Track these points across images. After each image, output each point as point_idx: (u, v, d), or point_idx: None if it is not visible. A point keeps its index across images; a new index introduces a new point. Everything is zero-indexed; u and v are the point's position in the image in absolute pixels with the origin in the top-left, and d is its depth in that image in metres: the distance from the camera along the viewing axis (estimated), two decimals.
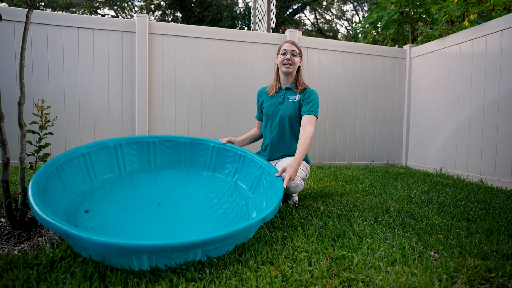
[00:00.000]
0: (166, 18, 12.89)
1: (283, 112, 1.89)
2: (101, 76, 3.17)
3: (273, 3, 4.74)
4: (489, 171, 2.84)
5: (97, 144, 1.64)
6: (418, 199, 2.06)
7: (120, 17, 13.75)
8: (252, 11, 6.04)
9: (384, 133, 3.99)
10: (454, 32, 3.59)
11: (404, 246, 1.26)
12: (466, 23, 3.21)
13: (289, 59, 1.84)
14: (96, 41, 3.13)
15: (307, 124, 1.78)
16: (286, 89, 1.94)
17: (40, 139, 1.55)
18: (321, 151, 3.80)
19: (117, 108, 3.22)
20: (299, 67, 1.93)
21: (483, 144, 2.91)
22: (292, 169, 1.57)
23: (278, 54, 1.90)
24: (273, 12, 4.72)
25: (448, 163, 3.32)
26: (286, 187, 1.52)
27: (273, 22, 4.72)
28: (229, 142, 1.92)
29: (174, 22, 13.09)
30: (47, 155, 1.57)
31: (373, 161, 3.96)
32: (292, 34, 3.59)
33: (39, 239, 1.31)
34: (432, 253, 1.20)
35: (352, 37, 15.60)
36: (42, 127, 1.56)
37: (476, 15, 3.24)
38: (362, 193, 2.21)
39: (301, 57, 1.90)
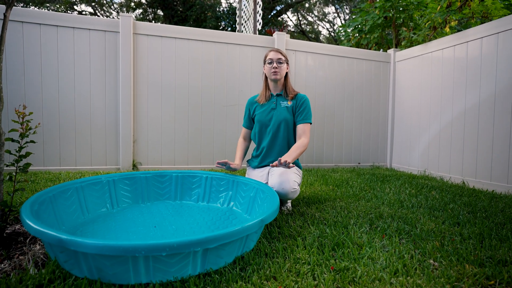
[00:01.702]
0: (148, 17, 12.58)
1: (277, 117, 1.89)
2: (83, 78, 3.02)
3: (259, 5, 4.72)
4: (470, 173, 2.94)
5: (90, 179, 1.68)
6: (408, 203, 2.10)
7: (98, 14, 13.27)
8: (237, 12, 5.99)
9: (369, 135, 4.06)
10: (436, 38, 3.70)
11: (403, 254, 1.26)
12: (447, 29, 3.32)
13: (276, 67, 1.87)
14: (77, 41, 2.98)
15: (302, 134, 1.84)
16: (277, 95, 1.96)
17: (21, 148, 1.44)
18: (308, 154, 3.82)
19: (100, 112, 3.09)
20: (286, 73, 1.95)
21: (464, 146, 3.02)
22: (287, 158, 1.59)
23: (264, 63, 1.94)
24: (260, 14, 4.70)
25: (431, 165, 3.42)
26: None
27: (260, 24, 4.70)
28: (228, 165, 1.84)
29: (155, 21, 12.80)
30: (28, 165, 1.46)
31: (359, 163, 4.02)
32: (280, 37, 3.58)
33: (20, 257, 1.21)
34: (431, 261, 1.21)
35: (333, 39, 15.87)
36: (22, 135, 1.45)
37: (456, 22, 3.35)
38: (353, 198, 2.23)
39: (287, 63, 1.92)
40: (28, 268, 1.09)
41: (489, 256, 1.27)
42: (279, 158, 1.58)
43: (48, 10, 11.25)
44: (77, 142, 3.02)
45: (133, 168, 3.18)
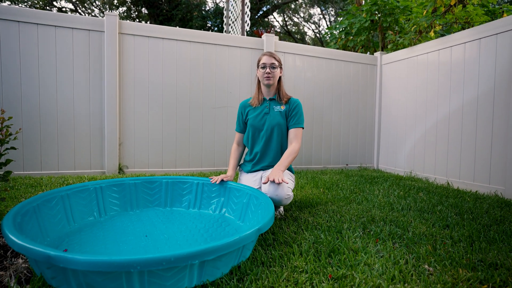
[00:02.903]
0: (131, 15, 12.29)
1: (270, 122, 1.87)
2: (66, 79, 2.90)
3: (248, 6, 4.69)
4: (455, 174, 3.03)
5: (77, 187, 1.61)
6: (398, 205, 2.13)
7: (79, 11, 12.86)
8: (224, 12, 5.94)
9: (357, 137, 4.12)
10: (420, 41, 3.79)
11: (398, 259, 1.27)
12: (432, 34, 3.40)
13: (269, 72, 1.85)
14: (59, 41, 2.86)
15: (294, 139, 1.84)
16: (270, 99, 1.94)
17: (0, 155, 1.36)
18: (298, 156, 3.82)
19: (84, 114, 2.97)
20: (280, 77, 1.93)
21: (449, 148, 3.11)
22: (278, 175, 1.61)
23: (258, 67, 1.92)
24: (248, 15, 4.67)
25: (417, 166, 3.50)
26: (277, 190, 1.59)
27: (248, 25, 4.67)
28: (223, 180, 1.83)
29: (140, 20, 12.53)
30: (8, 173, 1.38)
31: (347, 164, 4.06)
32: (269, 38, 3.56)
33: (1, 272, 1.14)
34: (426, 266, 1.23)
35: (319, 40, 16.04)
36: (2, 142, 1.37)
37: (440, 26, 3.45)
38: (344, 201, 2.24)
39: (281, 67, 1.91)
40: (11, 285, 1.02)
41: (480, 259, 1.30)
42: (272, 174, 1.61)
43: (26, 6, 10.79)
44: (60, 145, 2.90)
45: (119, 172, 3.09)
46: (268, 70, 1.84)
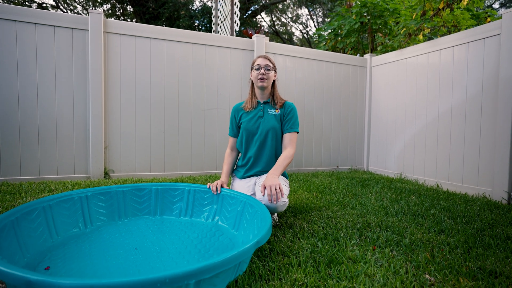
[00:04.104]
0: (116, 13, 11.98)
1: (264, 126, 1.82)
2: (47, 79, 2.75)
3: (237, 5, 4.62)
4: (444, 176, 3.07)
5: (59, 196, 1.50)
6: (391, 210, 2.12)
7: (61, 8, 12.43)
8: (213, 11, 5.85)
9: (347, 139, 4.12)
10: (409, 44, 3.83)
11: (398, 269, 1.25)
12: (420, 37, 3.44)
13: (263, 74, 1.80)
14: (40, 39, 2.71)
15: (289, 144, 1.80)
16: (265, 103, 1.89)
17: None
18: None
19: (67, 116, 2.84)
20: (274, 81, 1.89)
21: (438, 150, 3.14)
22: (274, 181, 1.56)
23: (252, 69, 1.87)
24: (237, 15, 4.60)
25: (406, 168, 3.53)
26: (271, 202, 1.53)
27: (237, 25, 4.60)
28: (223, 186, 1.78)
29: (124, 18, 12.23)
30: None
31: (337, 166, 4.06)
32: (259, 39, 3.51)
33: None
34: (427, 276, 1.21)
35: (307, 40, 16.12)
36: None
37: (429, 30, 3.49)
38: (338, 206, 2.22)
39: (275, 70, 1.86)
40: None
41: (479, 267, 1.29)
42: (268, 180, 1.56)
43: (2, 2, 10.32)
44: (41, 149, 2.76)
45: (104, 176, 2.97)
46: (262, 71, 1.79)
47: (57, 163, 2.82)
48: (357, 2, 4.30)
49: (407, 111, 3.53)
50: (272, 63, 1.83)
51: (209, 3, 12.11)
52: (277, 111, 1.85)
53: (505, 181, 2.50)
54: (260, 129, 1.82)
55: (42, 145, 2.76)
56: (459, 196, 2.61)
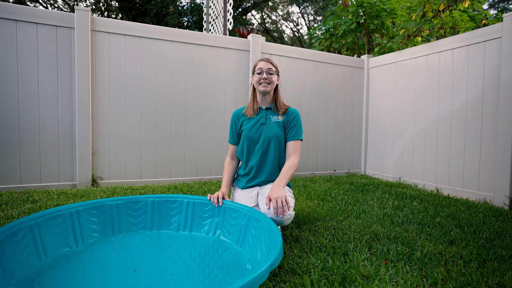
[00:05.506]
0: (100, 9, 11.59)
1: (267, 133, 1.71)
2: (29, 80, 2.56)
3: (230, 3, 4.49)
4: (444, 180, 3.03)
5: (48, 213, 1.37)
6: (397, 219, 2.05)
7: (41, 2, 11.93)
8: (204, 9, 5.68)
9: (344, 142, 4.06)
10: (407, 46, 3.79)
11: (415, 287, 1.17)
12: (419, 38, 3.40)
13: (266, 78, 1.70)
14: (20, 37, 2.52)
15: (293, 153, 1.71)
16: (267, 109, 1.79)
17: None
18: None
19: (51, 120, 2.65)
20: (277, 85, 1.79)
21: (437, 154, 3.11)
22: (280, 193, 1.46)
23: (253, 73, 1.76)
24: (230, 13, 4.47)
25: (405, 172, 3.49)
26: (277, 215, 1.44)
27: (230, 24, 4.47)
28: (224, 198, 1.66)
29: (109, 13, 11.85)
30: None
31: (335, 170, 4.00)
32: (255, 39, 3.39)
33: None
34: None
35: (298, 39, 16.08)
36: None
37: (428, 31, 3.45)
38: (342, 215, 2.13)
39: (278, 74, 1.76)
40: None
41: (498, 283, 1.22)
42: (273, 192, 1.47)
43: None
44: (23, 155, 2.57)
45: (92, 184, 2.80)
46: (265, 75, 1.68)
47: (40, 170, 2.63)
48: (353, 1, 4.23)
49: (406, 113, 3.48)
50: (274, 67, 1.73)
51: (198, 0, 11.88)
52: (280, 118, 1.75)
53: (507, 186, 2.47)
54: (263, 137, 1.71)
55: (24, 150, 2.57)
56: (461, 202, 2.58)
